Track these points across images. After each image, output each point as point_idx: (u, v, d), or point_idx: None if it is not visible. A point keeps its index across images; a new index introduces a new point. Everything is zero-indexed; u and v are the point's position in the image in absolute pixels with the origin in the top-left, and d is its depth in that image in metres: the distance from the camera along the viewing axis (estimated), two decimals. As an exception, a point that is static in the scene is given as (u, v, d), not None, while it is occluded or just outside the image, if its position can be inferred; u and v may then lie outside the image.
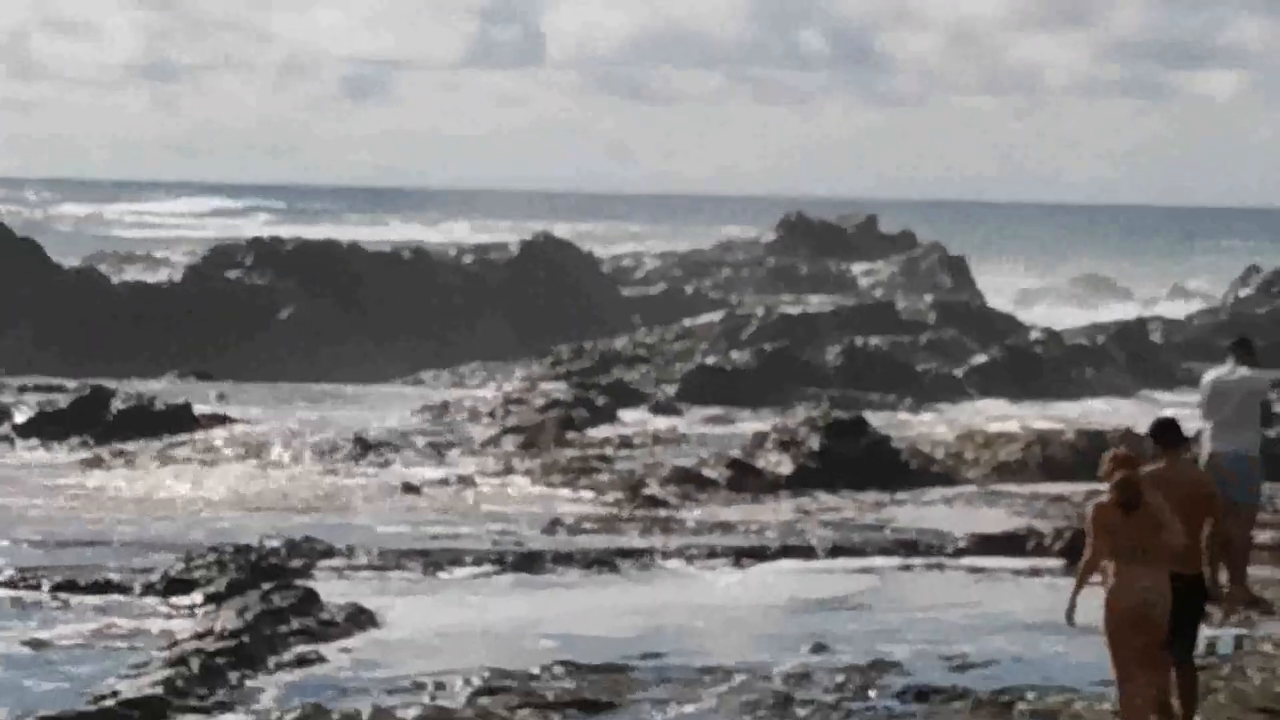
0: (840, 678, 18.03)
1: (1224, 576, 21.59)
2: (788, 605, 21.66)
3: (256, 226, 74.07)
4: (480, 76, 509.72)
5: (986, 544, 25.21)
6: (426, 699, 17.09)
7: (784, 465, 31.18)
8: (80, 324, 51.04)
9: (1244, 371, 22.25)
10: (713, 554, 24.70)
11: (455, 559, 24.06)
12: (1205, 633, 19.93)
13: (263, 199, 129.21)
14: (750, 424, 36.62)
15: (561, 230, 76.32)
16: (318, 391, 44.76)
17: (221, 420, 37.32)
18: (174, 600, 21.46)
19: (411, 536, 25.69)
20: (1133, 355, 47.90)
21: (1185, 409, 26.49)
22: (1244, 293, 59.07)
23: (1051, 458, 31.01)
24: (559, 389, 42.08)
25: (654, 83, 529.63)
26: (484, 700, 17.10)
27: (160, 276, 59.18)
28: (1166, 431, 16.23)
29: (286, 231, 64.54)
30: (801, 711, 17.00)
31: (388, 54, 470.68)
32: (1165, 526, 15.22)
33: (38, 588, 22.15)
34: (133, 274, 60.99)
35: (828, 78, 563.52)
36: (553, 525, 26.84)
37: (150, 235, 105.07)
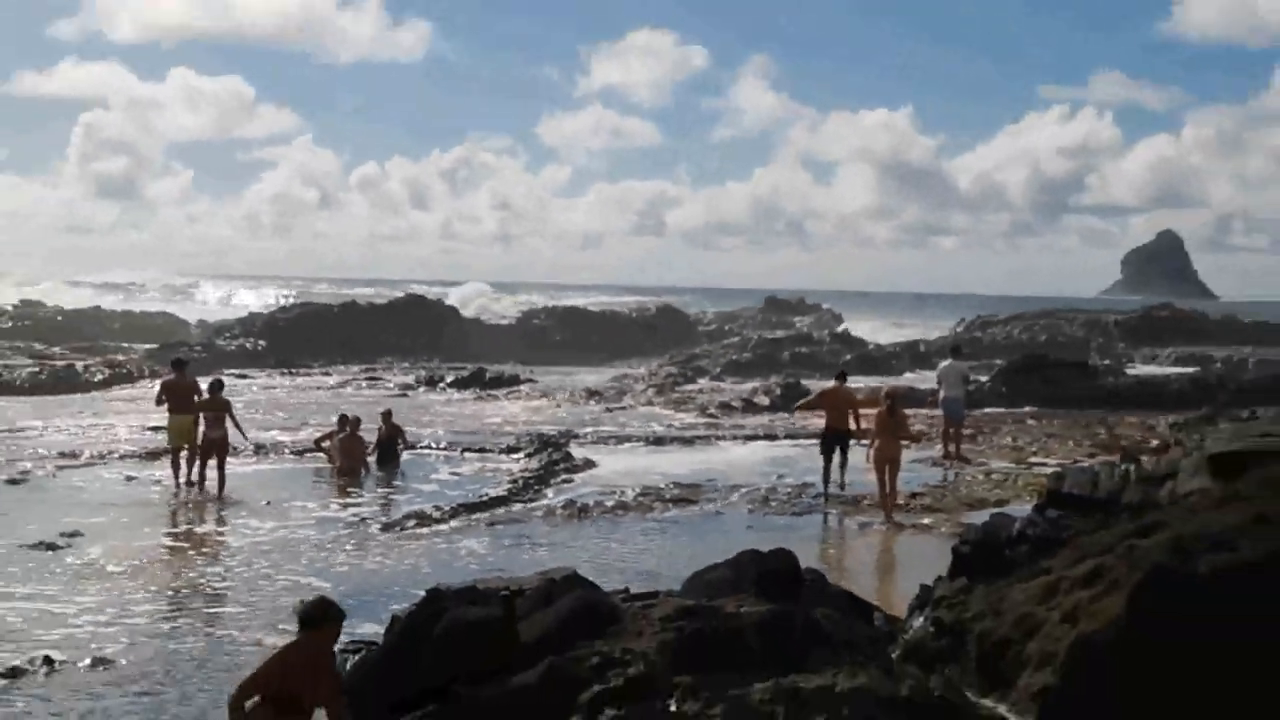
0: (790, 489, 17.84)
1: (953, 449, 21.36)
2: (766, 459, 21.40)
3: (544, 301, 74.01)
4: (639, 239, 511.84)
5: (853, 434, 24.74)
6: (616, 497, 17.05)
7: (765, 401, 30.88)
8: (471, 341, 51.22)
9: (957, 361, 22.28)
10: (735, 438, 24.41)
11: (627, 439, 23.89)
12: (941, 472, 19.67)
13: (538, 291, 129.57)
14: (751, 383, 36.20)
15: (674, 301, 75.96)
16: (570, 370, 44.75)
17: (529, 381, 37.34)
18: (511, 456, 21.47)
19: (609, 430, 25.49)
20: (912, 356, 47.03)
21: (928, 378, 26.17)
22: (959, 329, 58.66)
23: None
24: (671, 369, 41.85)
25: (715, 242, 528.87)
26: (640, 498, 17.03)
27: (504, 322, 59.41)
28: (841, 374, 18.38)
29: (561, 303, 64.52)
30: (773, 503, 16.84)
31: (599, 227, 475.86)
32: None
33: (455, 451, 22.27)
34: (493, 320, 61.16)
35: (786, 240, 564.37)
36: (668, 425, 26.67)
37: (493, 302, 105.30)
